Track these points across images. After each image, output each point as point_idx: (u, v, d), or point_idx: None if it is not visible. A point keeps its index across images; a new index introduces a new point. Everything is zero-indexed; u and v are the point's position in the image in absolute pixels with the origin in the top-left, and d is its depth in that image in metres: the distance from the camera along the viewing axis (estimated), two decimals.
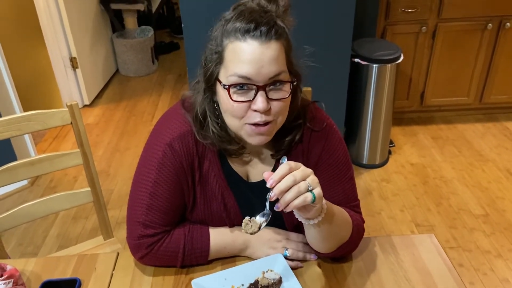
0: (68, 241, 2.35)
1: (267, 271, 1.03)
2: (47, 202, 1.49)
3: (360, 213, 1.12)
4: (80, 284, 1.04)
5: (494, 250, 2.21)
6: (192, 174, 1.03)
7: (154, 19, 4.54)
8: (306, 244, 1.08)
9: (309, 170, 0.86)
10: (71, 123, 1.42)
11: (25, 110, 2.63)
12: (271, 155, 1.06)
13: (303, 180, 0.83)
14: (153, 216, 1.03)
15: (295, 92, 0.98)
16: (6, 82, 2.60)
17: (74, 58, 3.45)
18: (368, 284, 1.03)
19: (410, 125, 3.25)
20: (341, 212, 1.00)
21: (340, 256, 1.08)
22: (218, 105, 0.98)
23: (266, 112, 0.91)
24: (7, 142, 2.53)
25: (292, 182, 0.82)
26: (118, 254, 1.13)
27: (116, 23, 4.09)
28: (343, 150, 1.08)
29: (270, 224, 0.95)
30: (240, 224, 0.92)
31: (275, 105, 0.91)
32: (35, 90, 3.35)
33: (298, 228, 1.10)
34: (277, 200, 0.83)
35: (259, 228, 0.89)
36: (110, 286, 1.05)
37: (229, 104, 0.91)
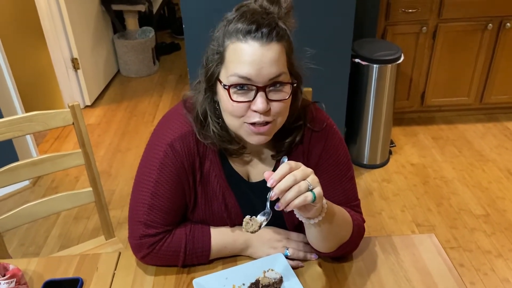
0: (69, 241, 2.35)
1: (268, 271, 1.03)
2: (49, 202, 1.49)
3: (360, 213, 1.12)
4: (82, 284, 1.05)
5: (495, 250, 2.21)
6: (193, 174, 1.04)
7: (155, 20, 4.55)
8: (307, 243, 1.09)
9: (310, 170, 0.86)
10: (73, 123, 1.43)
11: (26, 111, 2.62)
12: (272, 155, 1.07)
13: (304, 180, 0.84)
14: (154, 216, 1.03)
15: (295, 93, 0.99)
16: (8, 83, 2.61)
17: (76, 59, 3.46)
18: (369, 284, 1.03)
19: (411, 125, 3.25)
20: (341, 212, 1.00)
21: (341, 255, 1.08)
22: (218, 105, 0.98)
23: (266, 112, 0.91)
24: (9, 143, 2.54)
25: (292, 181, 0.82)
26: (119, 253, 1.14)
27: (117, 24, 4.10)
28: (344, 150, 1.09)
29: (270, 223, 0.96)
30: (241, 224, 0.92)
31: (275, 106, 0.92)
32: (36, 91, 3.36)
33: (298, 227, 1.10)
34: (277, 200, 0.84)
35: (260, 227, 0.89)
36: (112, 285, 1.05)
37: (229, 104, 0.92)
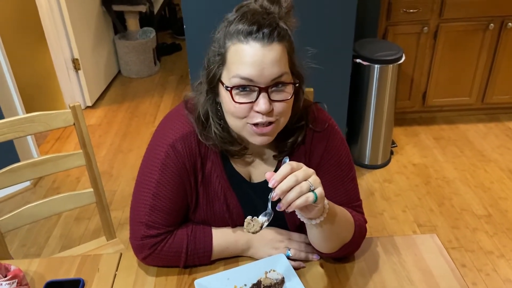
0: (71, 241, 2.35)
1: (269, 271, 1.03)
2: (50, 203, 1.49)
3: (362, 213, 1.12)
4: (83, 285, 1.05)
5: (497, 251, 2.21)
6: (195, 174, 1.04)
7: (156, 21, 4.55)
8: (309, 244, 1.08)
9: (311, 170, 0.86)
10: (74, 124, 1.43)
11: (27, 112, 2.62)
12: (274, 156, 1.07)
13: (305, 180, 0.84)
14: (156, 216, 1.03)
15: (297, 93, 0.99)
16: (9, 84, 2.61)
17: (77, 59, 3.46)
18: (371, 284, 1.03)
19: (412, 126, 3.25)
20: (343, 212, 1.00)
21: (343, 256, 1.08)
22: (220, 106, 0.98)
23: (269, 113, 0.91)
24: (10, 144, 2.54)
25: (294, 182, 0.82)
26: (121, 254, 1.14)
27: (118, 25, 4.10)
28: (345, 151, 1.09)
29: (272, 224, 0.96)
30: (242, 225, 0.92)
31: (277, 106, 0.92)
32: (37, 91, 3.36)
33: (300, 228, 1.10)
34: (279, 200, 0.84)
35: (261, 227, 0.89)
36: (113, 286, 1.05)
37: (231, 105, 0.92)
